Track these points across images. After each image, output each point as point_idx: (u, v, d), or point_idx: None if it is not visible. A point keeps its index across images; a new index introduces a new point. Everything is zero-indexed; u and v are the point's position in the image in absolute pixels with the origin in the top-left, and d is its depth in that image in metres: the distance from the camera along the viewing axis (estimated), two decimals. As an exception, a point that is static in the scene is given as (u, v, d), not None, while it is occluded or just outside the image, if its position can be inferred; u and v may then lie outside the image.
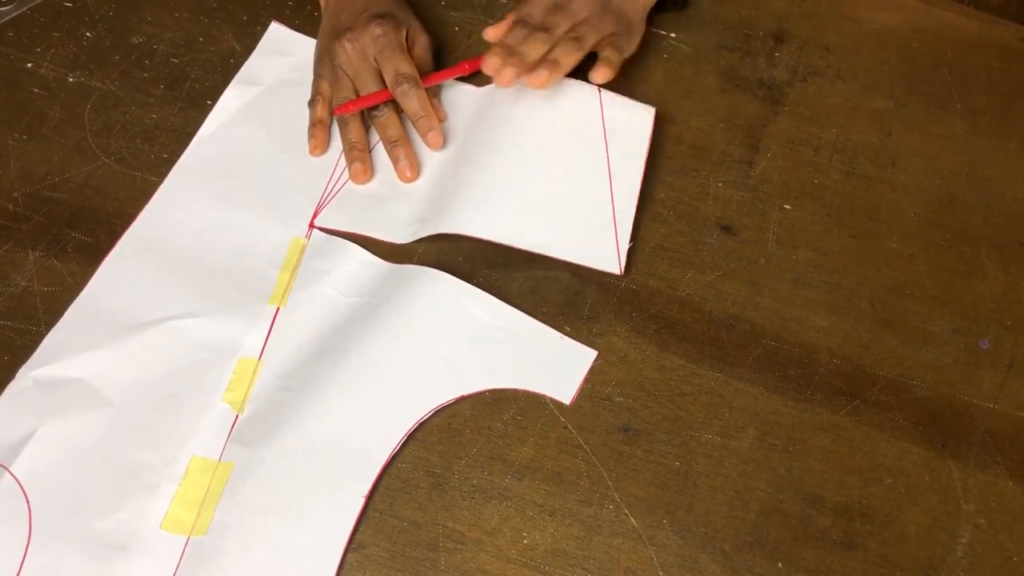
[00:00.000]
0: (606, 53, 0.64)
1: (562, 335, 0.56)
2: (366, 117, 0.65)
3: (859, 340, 0.57)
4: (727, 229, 0.62)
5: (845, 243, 0.61)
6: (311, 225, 0.60)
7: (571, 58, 0.62)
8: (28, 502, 0.48)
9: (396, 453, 0.51)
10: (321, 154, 0.64)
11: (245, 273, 0.57)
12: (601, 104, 0.63)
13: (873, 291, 0.59)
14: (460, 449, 0.52)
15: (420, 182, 0.63)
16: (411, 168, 0.63)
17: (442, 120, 0.65)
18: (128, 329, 0.54)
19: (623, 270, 0.58)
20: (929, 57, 0.72)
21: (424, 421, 0.52)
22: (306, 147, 0.64)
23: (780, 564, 0.49)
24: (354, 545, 0.49)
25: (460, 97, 0.67)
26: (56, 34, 0.69)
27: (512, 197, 0.60)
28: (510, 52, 0.61)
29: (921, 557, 0.49)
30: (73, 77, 0.66)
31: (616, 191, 0.60)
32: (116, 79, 0.66)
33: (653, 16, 0.72)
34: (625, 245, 0.58)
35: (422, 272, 0.57)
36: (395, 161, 0.63)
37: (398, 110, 0.64)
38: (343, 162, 0.63)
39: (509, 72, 0.60)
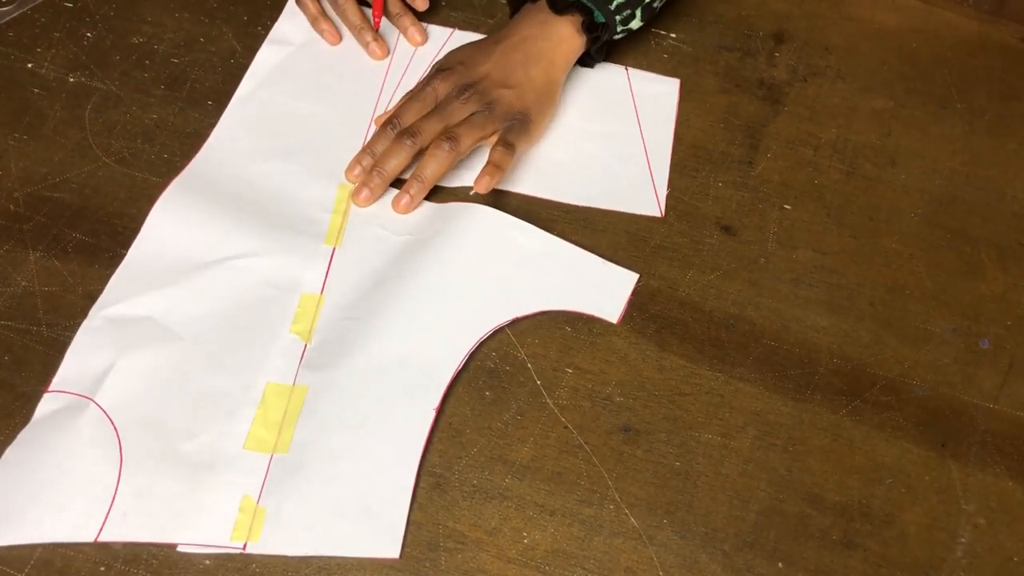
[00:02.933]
0: (495, 156, 0.59)
1: (604, 260, 0.59)
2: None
3: (859, 340, 0.57)
4: (727, 229, 0.62)
5: (845, 243, 0.61)
6: None
7: (440, 169, 0.59)
8: (116, 429, 0.50)
9: (459, 371, 0.54)
10: (338, 41, 0.70)
11: (297, 217, 0.60)
12: (629, 80, 0.69)
13: (873, 291, 0.59)
14: (460, 449, 0.52)
15: None
16: (420, 33, 0.69)
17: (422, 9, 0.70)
18: (190, 269, 0.56)
19: (663, 213, 0.62)
20: (929, 57, 0.72)
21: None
22: (344, 100, 0.66)
23: (780, 564, 0.49)
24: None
25: None
26: (56, 34, 0.69)
27: (557, 157, 0.65)
28: (375, 163, 0.60)
29: (921, 557, 0.49)
30: (73, 77, 0.66)
31: (650, 150, 0.66)
32: (116, 79, 0.66)
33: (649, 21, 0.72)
34: (663, 192, 0.63)
35: (466, 207, 0.60)
36: (403, 30, 0.69)
37: None
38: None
39: (366, 195, 0.60)
